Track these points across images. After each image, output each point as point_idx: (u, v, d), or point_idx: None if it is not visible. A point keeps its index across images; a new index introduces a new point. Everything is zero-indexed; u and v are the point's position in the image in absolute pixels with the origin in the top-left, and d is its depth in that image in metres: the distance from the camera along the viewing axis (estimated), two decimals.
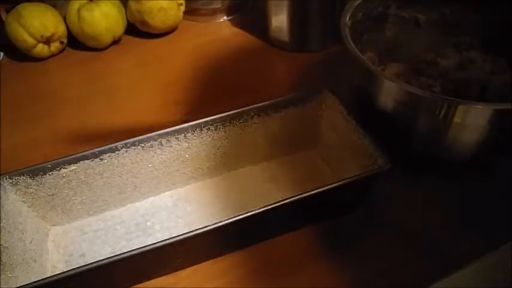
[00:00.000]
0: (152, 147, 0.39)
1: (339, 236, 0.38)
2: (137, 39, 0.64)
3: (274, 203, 0.33)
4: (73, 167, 0.37)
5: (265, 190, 0.42)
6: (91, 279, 0.32)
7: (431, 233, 0.38)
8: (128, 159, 0.39)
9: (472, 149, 0.37)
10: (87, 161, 0.38)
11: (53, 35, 0.58)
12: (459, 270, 0.38)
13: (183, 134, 0.39)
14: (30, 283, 0.30)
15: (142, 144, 0.39)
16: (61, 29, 0.60)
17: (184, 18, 0.65)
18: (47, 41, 0.59)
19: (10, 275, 0.32)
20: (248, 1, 0.69)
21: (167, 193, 0.42)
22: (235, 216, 0.32)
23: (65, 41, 0.61)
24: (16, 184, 0.37)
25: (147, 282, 0.36)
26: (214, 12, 0.67)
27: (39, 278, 0.30)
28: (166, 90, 0.55)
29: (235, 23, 0.67)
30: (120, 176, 0.39)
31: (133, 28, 0.64)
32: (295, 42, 0.59)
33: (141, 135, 0.38)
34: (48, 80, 0.58)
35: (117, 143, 0.38)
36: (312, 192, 0.33)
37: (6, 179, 0.36)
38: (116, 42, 0.63)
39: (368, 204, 0.40)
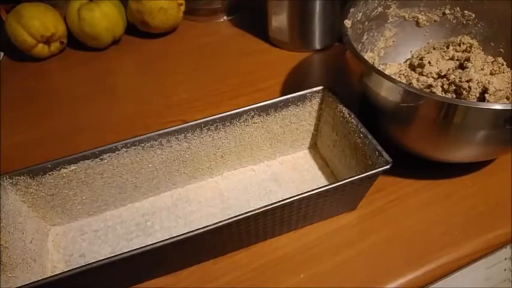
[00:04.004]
0: (152, 147, 0.39)
1: (338, 235, 0.38)
2: (137, 39, 0.64)
3: (274, 203, 0.33)
4: (73, 167, 0.37)
5: (265, 190, 0.42)
6: (91, 279, 0.32)
7: (431, 232, 0.38)
8: (128, 159, 0.39)
9: (471, 149, 0.37)
10: (87, 161, 0.38)
11: (53, 35, 0.58)
12: (459, 270, 0.38)
13: (183, 134, 0.39)
14: (30, 283, 0.30)
15: (142, 144, 0.39)
16: (61, 29, 0.60)
17: (184, 18, 0.65)
18: (47, 41, 0.59)
19: (10, 275, 0.32)
20: (248, 1, 0.69)
21: (167, 193, 0.42)
22: (235, 216, 0.32)
23: (65, 41, 0.61)
24: (16, 184, 0.36)
25: (147, 282, 0.36)
26: (214, 12, 0.67)
27: (39, 278, 0.30)
28: (166, 90, 0.55)
29: (235, 23, 0.67)
30: (120, 176, 0.39)
31: (134, 28, 0.64)
32: (295, 42, 0.59)
33: (141, 135, 0.38)
34: (48, 80, 0.58)
35: (117, 143, 0.38)
36: (312, 192, 0.33)
37: (6, 179, 0.36)
38: (116, 42, 0.63)
39: (368, 203, 0.40)
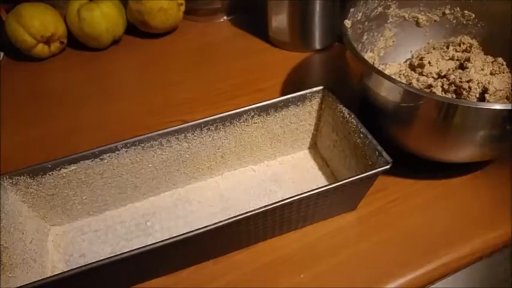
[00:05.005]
0: (152, 147, 0.39)
1: (338, 235, 0.38)
2: (137, 39, 0.64)
3: (274, 203, 0.33)
4: (73, 167, 0.37)
5: (265, 190, 0.42)
6: (91, 279, 0.32)
7: (431, 232, 0.38)
8: (128, 159, 0.39)
9: (472, 149, 0.37)
10: (87, 161, 0.38)
11: (53, 35, 0.58)
12: (459, 270, 0.38)
13: (183, 134, 0.39)
14: (30, 283, 0.30)
15: (142, 144, 0.39)
16: (61, 29, 0.60)
17: (184, 18, 0.65)
18: (47, 41, 0.59)
19: (10, 275, 0.32)
20: (248, 1, 0.69)
21: (167, 193, 0.42)
22: (235, 216, 0.32)
23: (65, 41, 0.61)
24: (16, 184, 0.36)
25: (147, 282, 0.36)
26: (214, 12, 0.67)
27: (39, 278, 0.30)
28: (166, 90, 0.55)
29: (235, 23, 0.67)
30: (120, 176, 0.39)
31: (134, 28, 0.64)
32: (295, 42, 0.59)
33: (141, 135, 0.38)
34: (48, 80, 0.58)
35: (117, 143, 0.38)
36: (312, 192, 0.33)
37: (6, 179, 0.36)
38: (116, 42, 0.63)
39: (368, 203, 0.40)
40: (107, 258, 0.30)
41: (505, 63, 0.44)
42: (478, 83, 0.41)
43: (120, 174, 0.39)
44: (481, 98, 0.41)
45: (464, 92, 0.41)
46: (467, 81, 0.41)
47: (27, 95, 0.56)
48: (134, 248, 0.31)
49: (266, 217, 0.34)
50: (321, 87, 0.42)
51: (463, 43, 0.47)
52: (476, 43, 0.47)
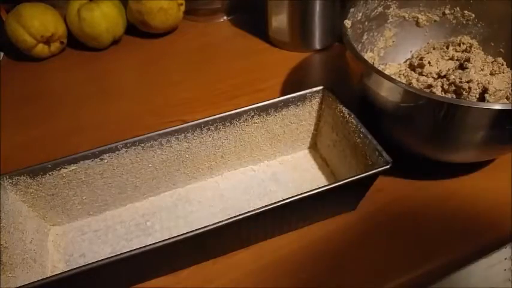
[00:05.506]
0: (152, 147, 0.39)
1: (338, 235, 0.38)
2: (137, 39, 0.64)
3: (274, 203, 0.33)
4: (73, 167, 0.37)
5: (265, 190, 0.42)
6: (91, 279, 0.32)
7: (431, 232, 0.38)
8: (128, 159, 0.39)
9: (472, 149, 0.37)
10: (87, 161, 0.38)
11: (53, 35, 0.58)
12: (459, 270, 0.38)
13: (183, 134, 0.39)
14: (30, 283, 0.30)
15: (142, 144, 0.39)
16: (61, 29, 0.60)
17: (184, 18, 0.65)
18: (47, 41, 0.59)
19: (10, 275, 0.32)
20: (248, 1, 0.69)
21: (167, 193, 0.42)
22: (235, 216, 0.32)
23: (65, 41, 0.61)
24: (16, 184, 0.36)
25: (147, 282, 0.36)
26: (214, 12, 0.67)
27: (39, 278, 0.30)
28: (167, 90, 0.55)
29: (235, 23, 0.67)
30: (120, 176, 0.39)
31: (134, 28, 0.64)
32: (295, 42, 0.59)
33: (141, 135, 0.38)
34: (48, 80, 0.58)
35: (117, 143, 0.38)
36: (312, 192, 0.33)
37: (6, 179, 0.36)
38: (116, 42, 0.63)
39: (368, 203, 0.40)
40: (107, 258, 0.30)
41: (505, 63, 0.44)
42: (478, 83, 0.41)
43: (120, 174, 0.39)
44: (481, 98, 0.41)
45: (464, 92, 0.41)
46: (467, 81, 0.41)
47: (27, 95, 0.56)
48: (134, 248, 0.31)
49: (266, 217, 0.34)
50: (321, 87, 0.42)
51: (463, 43, 0.47)
52: (476, 43, 0.47)
